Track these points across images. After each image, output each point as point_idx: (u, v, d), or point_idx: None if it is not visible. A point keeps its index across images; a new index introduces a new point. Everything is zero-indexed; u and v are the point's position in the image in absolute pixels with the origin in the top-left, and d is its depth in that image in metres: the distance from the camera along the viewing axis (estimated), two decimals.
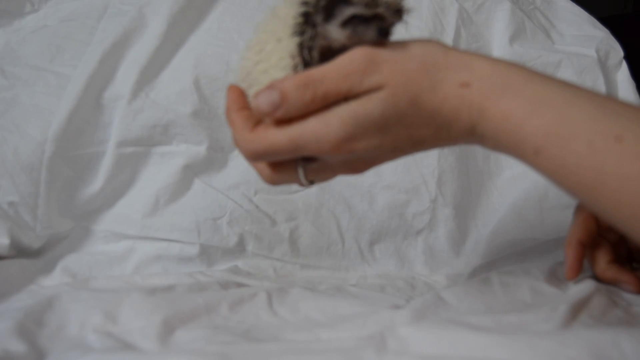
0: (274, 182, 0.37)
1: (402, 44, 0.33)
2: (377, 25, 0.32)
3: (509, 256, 0.61)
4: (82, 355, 0.34)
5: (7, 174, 0.56)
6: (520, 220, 0.65)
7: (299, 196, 0.64)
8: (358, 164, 0.36)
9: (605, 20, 0.80)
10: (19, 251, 0.57)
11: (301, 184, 0.36)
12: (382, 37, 0.33)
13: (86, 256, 0.59)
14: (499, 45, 0.71)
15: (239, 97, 0.36)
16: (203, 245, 0.60)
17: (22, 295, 0.48)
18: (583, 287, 0.42)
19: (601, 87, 0.71)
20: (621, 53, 0.75)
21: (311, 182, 0.37)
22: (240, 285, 0.54)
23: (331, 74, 0.32)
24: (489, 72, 0.32)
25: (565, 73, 0.71)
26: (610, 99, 0.32)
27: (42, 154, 0.57)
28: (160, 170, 0.62)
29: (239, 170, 0.64)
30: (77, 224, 0.61)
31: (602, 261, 0.45)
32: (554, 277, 0.47)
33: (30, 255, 0.58)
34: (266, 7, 0.69)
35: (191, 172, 0.63)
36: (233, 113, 0.35)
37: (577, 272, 0.44)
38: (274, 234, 0.62)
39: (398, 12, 0.33)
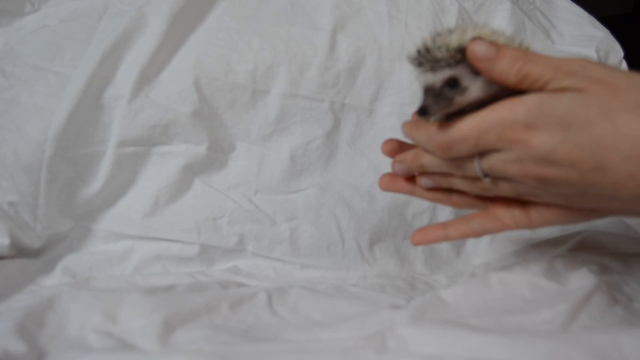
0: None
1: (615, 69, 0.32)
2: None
3: (508, 255, 0.61)
4: (82, 355, 0.34)
5: (7, 174, 0.56)
6: None
7: (299, 196, 0.64)
8: (529, 187, 0.36)
9: (605, 20, 0.80)
10: (19, 251, 0.57)
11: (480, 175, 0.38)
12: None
13: (86, 256, 0.59)
14: None
15: (419, 120, 0.39)
16: (203, 245, 0.60)
17: (22, 295, 0.48)
18: (583, 284, 0.42)
19: None
20: (621, 53, 0.75)
21: (486, 176, 0.38)
22: (240, 285, 0.54)
23: (542, 59, 0.33)
24: None
25: None
26: None
27: (42, 154, 0.57)
28: (160, 170, 0.62)
29: (239, 170, 0.65)
30: (77, 224, 0.61)
31: None
32: (553, 271, 0.47)
33: (30, 255, 0.58)
34: (266, 7, 0.69)
35: (191, 172, 0.63)
36: (420, 122, 0.38)
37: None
38: (274, 234, 0.62)
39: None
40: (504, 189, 0.38)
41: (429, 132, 0.37)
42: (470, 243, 0.66)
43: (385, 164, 0.66)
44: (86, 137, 0.60)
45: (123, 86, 0.61)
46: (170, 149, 0.63)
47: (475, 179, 0.39)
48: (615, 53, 0.75)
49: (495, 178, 0.37)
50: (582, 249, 0.55)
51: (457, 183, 0.41)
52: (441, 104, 0.36)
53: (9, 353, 0.34)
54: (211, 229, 0.61)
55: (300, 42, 0.66)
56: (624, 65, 0.75)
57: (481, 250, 0.65)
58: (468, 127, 0.35)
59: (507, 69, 0.33)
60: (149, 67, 0.62)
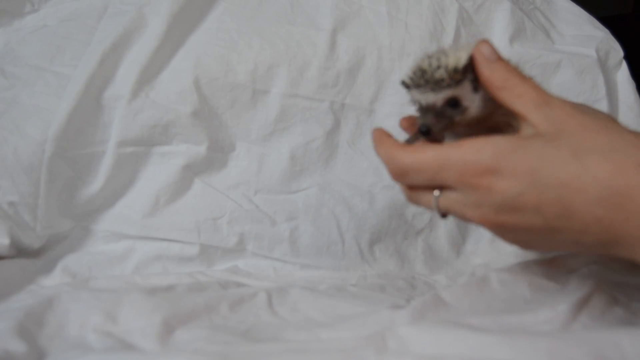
0: (411, 200, 0.38)
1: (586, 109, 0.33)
2: None
3: (508, 255, 0.61)
4: (82, 355, 0.34)
5: (7, 174, 0.56)
6: None
7: (298, 196, 0.64)
8: (489, 220, 0.34)
9: (605, 20, 0.80)
10: (19, 251, 0.57)
11: (435, 211, 0.36)
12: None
13: (86, 256, 0.59)
14: (498, 45, 0.70)
15: (385, 133, 0.38)
16: (203, 245, 0.60)
17: (22, 295, 0.48)
18: (583, 284, 0.42)
19: (601, 87, 0.71)
20: (621, 53, 0.75)
21: (444, 215, 0.37)
22: (240, 285, 0.54)
23: (531, 82, 0.34)
24: None
25: (565, 73, 0.71)
26: None
27: (42, 154, 0.57)
28: (160, 170, 0.62)
29: (239, 170, 0.65)
30: (77, 224, 0.61)
31: None
32: (553, 271, 0.47)
33: (30, 255, 0.58)
34: (266, 7, 0.69)
35: (191, 172, 0.63)
36: (384, 137, 0.37)
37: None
38: (274, 234, 0.62)
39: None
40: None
41: (389, 151, 0.35)
42: (470, 243, 0.66)
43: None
44: (86, 137, 0.60)
45: (123, 86, 0.61)
46: (170, 149, 0.63)
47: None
48: (615, 53, 0.75)
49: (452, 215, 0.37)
50: None
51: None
52: (442, 122, 0.37)
53: (9, 353, 0.34)
54: (211, 229, 0.61)
55: (300, 42, 0.66)
56: (624, 65, 0.75)
57: (481, 250, 0.65)
58: (427, 159, 0.33)
59: (497, 73, 0.34)
60: (149, 67, 0.62)
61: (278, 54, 0.65)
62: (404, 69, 0.67)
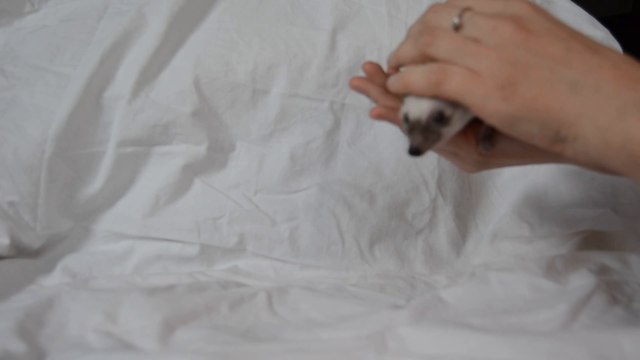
0: (427, 20, 0.37)
1: None
2: None
3: (508, 255, 0.61)
4: (82, 355, 0.34)
5: (7, 174, 0.56)
6: (520, 220, 0.65)
7: (299, 196, 0.64)
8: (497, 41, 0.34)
9: (605, 20, 0.80)
10: (19, 251, 0.57)
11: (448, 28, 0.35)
12: None
13: (86, 256, 0.59)
14: None
15: None
16: (203, 245, 0.60)
17: (22, 295, 0.49)
18: (583, 284, 0.42)
19: None
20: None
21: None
22: (240, 285, 0.54)
23: None
24: None
25: None
26: None
27: (42, 154, 0.57)
28: (160, 170, 0.62)
29: (239, 170, 0.65)
30: (77, 224, 0.61)
31: None
32: (553, 271, 0.47)
33: (30, 255, 0.58)
34: (266, 7, 0.69)
35: (191, 172, 0.63)
36: None
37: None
38: (274, 234, 0.62)
39: None
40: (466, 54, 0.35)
41: None
42: (470, 243, 0.66)
43: (386, 164, 0.66)
44: (86, 137, 0.60)
45: (123, 86, 0.61)
46: (170, 149, 0.63)
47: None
48: None
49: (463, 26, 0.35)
50: (582, 249, 0.55)
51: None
52: (430, 140, 0.36)
53: (9, 353, 0.34)
54: (211, 229, 0.61)
55: (300, 42, 0.66)
56: None
57: (481, 250, 0.65)
58: None
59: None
60: (149, 67, 0.62)
61: (278, 54, 0.65)
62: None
